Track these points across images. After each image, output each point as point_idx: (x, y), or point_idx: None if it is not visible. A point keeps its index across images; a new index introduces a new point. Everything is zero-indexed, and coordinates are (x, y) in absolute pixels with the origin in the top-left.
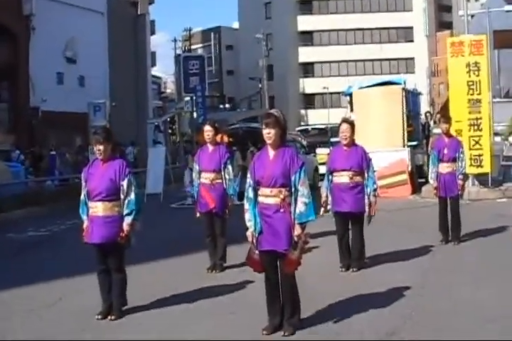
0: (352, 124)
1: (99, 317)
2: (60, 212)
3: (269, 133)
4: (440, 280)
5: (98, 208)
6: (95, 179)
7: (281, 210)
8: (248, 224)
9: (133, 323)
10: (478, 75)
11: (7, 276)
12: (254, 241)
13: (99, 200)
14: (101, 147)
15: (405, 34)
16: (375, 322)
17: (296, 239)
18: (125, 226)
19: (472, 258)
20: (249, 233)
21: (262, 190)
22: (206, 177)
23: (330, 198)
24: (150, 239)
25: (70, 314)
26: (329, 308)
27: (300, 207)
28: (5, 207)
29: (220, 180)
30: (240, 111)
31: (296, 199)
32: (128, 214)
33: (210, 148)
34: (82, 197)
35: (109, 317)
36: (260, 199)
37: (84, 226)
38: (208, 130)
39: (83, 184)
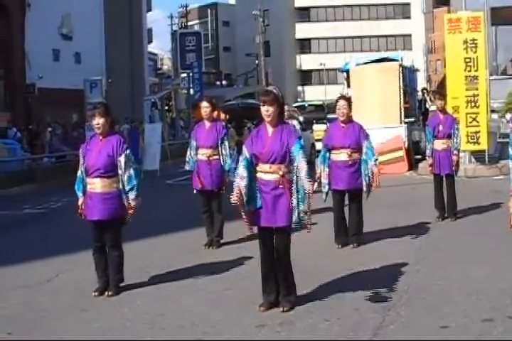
0: (349, 101)
1: (96, 293)
2: (56, 189)
3: (267, 111)
4: (436, 256)
5: (96, 184)
6: (93, 155)
7: (280, 186)
8: (241, 183)
9: (130, 299)
10: (475, 52)
11: (2, 253)
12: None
13: (98, 176)
14: (100, 121)
15: (402, 10)
16: (371, 297)
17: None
18: (131, 202)
19: (468, 235)
20: (236, 192)
21: (261, 166)
22: (203, 154)
23: (325, 174)
24: (147, 215)
25: (67, 290)
26: (325, 285)
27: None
28: (1, 184)
29: (217, 156)
30: (236, 88)
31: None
32: (130, 190)
33: (207, 124)
34: (78, 173)
35: (106, 293)
36: (259, 175)
37: (80, 202)
38: (205, 106)
39: (81, 160)
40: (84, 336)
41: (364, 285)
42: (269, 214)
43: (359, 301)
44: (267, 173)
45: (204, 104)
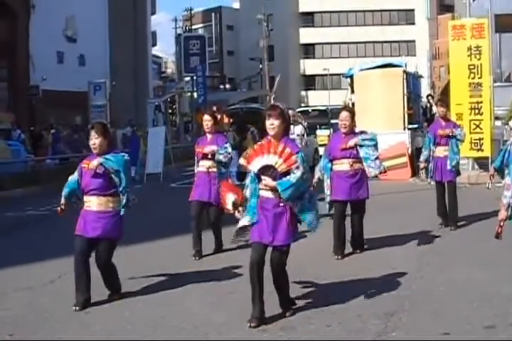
0: (352, 112)
1: (77, 308)
2: (59, 191)
3: (272, 125)
4: (438, 262)
5: (92, 202)
6: (88, 175)
7: (281, 204)
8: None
9: (132, 302)
10: (479, 59)
11: (5, 254)
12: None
13: (94, 195)
14: (96, 141)
15: (407, 16)
16: (373, 304)
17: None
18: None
19: (470, 241)
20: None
21: (263, 183)
22: (202, 165)
23: (327, 185)
24: (150, 218)
25: (69, 292)
26: (327, 291)
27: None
28: (5, 186)
29: (215, 169)
30: (240, 92)
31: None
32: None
33: (209, 136)
34: (70, 178)
35: (111, 297)
36: (261, 192)
37: (61, 202)
38: (206, 119)
39: (76, 173)
40: (86, 338)
41: (366, 291)
42: (267, 232)
43: (361, 307)
44: (269, 190)
45: (206, 117)
